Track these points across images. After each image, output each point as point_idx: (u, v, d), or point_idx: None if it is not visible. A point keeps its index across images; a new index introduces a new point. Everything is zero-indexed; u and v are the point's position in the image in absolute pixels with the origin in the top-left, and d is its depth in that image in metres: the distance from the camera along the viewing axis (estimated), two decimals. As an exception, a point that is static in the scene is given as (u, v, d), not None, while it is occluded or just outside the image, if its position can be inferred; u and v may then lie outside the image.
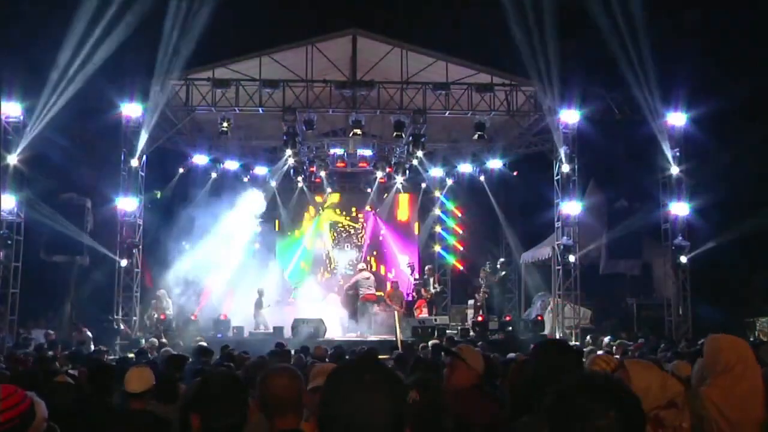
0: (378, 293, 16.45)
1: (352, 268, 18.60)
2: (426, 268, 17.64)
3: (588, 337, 13.77)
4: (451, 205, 19.97)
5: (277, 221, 19.10)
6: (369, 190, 19.12)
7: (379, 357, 7.91)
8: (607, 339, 12.24)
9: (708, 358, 3.16)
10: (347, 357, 8.17)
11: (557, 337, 14.11)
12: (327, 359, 7.92)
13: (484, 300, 15.78)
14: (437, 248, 20.04)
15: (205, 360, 7.40)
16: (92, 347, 12.07)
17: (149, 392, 3.99)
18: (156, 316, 14.65)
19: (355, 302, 16.04)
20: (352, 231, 19.56)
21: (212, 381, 2.64)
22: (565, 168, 14.96)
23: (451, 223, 20.03)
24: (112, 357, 10.78)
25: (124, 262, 14.50)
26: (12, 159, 13.41)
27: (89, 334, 13.30)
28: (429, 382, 3.14)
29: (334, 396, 1.54)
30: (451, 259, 19.86)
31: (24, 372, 6.48)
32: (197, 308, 15.72)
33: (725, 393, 2.95)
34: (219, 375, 2.98)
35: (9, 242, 13.45)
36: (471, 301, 16.79)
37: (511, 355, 8.00)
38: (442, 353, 8.18)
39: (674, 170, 15.06)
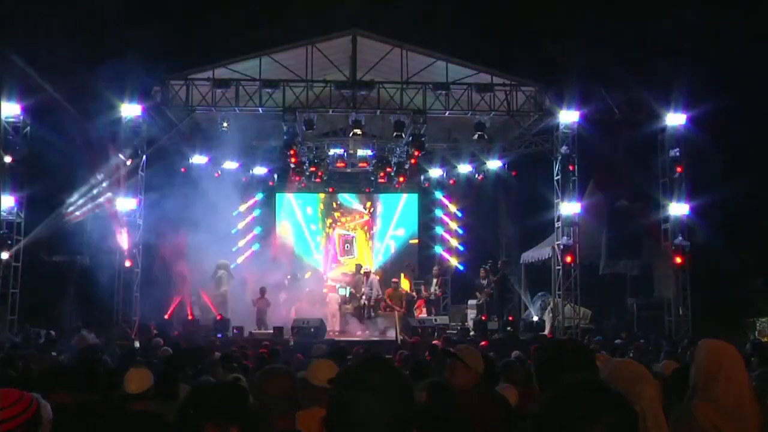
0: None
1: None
2: (434, 268, 17.72)
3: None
4: (451, 206, 19.95)
5: (276, 220, 19.08)
6: (369, 190, 19.12)
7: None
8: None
9: (695, 365, 3.11)
10: (348, 357, 8.16)
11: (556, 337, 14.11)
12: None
13: (485, 299, 15.76)
14: (437, 248, 20.02)
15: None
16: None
17: (148, 393, 4.00)
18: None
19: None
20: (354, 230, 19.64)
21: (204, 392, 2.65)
22: (566, 168, 14.96)
23: (451, 224, 20.01)
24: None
25: (127, 263, 14.49)
26: (12, 159, 13.41)
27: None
28: (439, 384, 3.14)
29: (340, 396, 1.54)
30: (451, 260, 19.83)
31: (23, 372, 6.48)
32: (195, 308, 15.72)
33: (716, 406, 2.89)
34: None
35: (9, 242, 13.44)
36: (472, 301, 16.76)
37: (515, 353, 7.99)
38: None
39: (674, 170, 15.05)
